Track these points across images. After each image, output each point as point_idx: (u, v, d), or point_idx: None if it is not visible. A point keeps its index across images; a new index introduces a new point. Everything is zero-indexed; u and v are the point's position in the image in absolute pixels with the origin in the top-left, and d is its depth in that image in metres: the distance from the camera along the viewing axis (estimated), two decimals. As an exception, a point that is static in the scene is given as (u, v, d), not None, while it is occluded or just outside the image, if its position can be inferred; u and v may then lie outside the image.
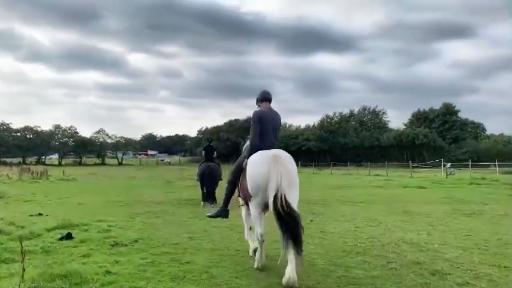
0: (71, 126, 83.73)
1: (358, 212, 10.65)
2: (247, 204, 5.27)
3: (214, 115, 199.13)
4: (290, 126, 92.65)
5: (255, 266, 5.04)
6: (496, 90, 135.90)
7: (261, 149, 5.10)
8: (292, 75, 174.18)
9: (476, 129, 69.92)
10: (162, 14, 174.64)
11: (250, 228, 5.77)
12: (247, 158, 5.21)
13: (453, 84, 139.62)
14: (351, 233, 7.59)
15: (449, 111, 64.95)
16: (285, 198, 4.31)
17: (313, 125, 74.69)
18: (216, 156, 14.12)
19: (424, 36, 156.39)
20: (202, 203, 12.58)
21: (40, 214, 10.26)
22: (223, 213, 5.86)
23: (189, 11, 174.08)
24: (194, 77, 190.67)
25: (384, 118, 73.42)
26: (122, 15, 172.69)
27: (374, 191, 17.48)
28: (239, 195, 5.80)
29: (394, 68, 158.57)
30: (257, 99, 5.88)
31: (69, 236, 6.89)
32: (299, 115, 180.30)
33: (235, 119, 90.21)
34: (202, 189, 12.97)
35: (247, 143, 5.88)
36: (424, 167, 36.03)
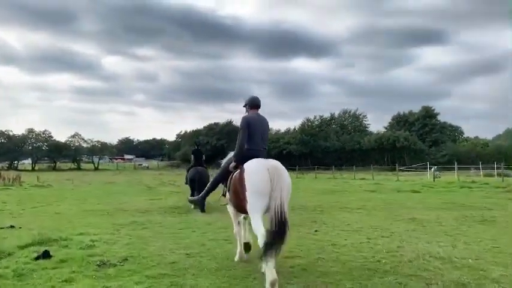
0: (45, 130, 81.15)
1: (361, 220, 9.93)
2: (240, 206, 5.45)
3: (191, 119, 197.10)
4: (270, 129, 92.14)
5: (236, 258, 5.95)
6: (468, 95, 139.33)
7: (251, 151, 5.53)
8: (269, 79, 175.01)
9: (454, 132, 70.82)
10: (137, 16, 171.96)
11: (239, 223, 6.16)
12: (237, 161, 5.59)
13: (427, 89, 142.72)
14: (365, 246, 6.84)
15: (428, 114, 65.55)
16: (283, 209, 4.61)
17: (294, 129, 74.34)
18: (205, 160, 14.51)
19: (398, 42, 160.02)
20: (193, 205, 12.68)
21: (12, 226, 9.18)
22: (201, 205, 7.13)
23: (165, 14, 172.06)
24: (170, 80, 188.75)
25: (364, 121, 73.72)
26: (96, 17, 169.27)
27: (368, 196, 16.86)
28: (223, 195, 6.25)
29: (370, 72, 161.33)
30: (246, 105, 6.11)
31: (46, 255, 5.91)
32: (277, 119, 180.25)
33: (214, 123, 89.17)
34: (193, 193, 13.07)
35: (230, 153, 6.38)
36: (410, 171, 35.72)
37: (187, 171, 14.33)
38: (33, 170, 71.01)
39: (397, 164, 33.27)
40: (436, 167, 32.48)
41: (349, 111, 73.72)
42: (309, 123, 73.06)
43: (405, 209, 12.14)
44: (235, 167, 5.57)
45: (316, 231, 8.33)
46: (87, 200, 16.42)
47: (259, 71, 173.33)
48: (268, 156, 5.68)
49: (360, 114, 73.35)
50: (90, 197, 17.49)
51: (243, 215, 5.99)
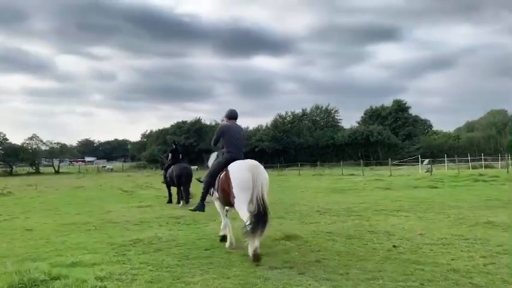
0: (0, 133, 75.56)
1: (428, 227, 8.00)
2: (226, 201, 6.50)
3: (152, 119, 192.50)
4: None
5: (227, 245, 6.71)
6: (424, 90, 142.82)
7: (231, 154, 6.65)
8: (231, 77, 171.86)
9: (423, 125, 71.02)
10: (91, 14, 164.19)
11: (226, 215, 7.12)
12: (221, 161, 6.76)
13: (384, 85, 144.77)
14: (480, 269, 4.94)
15: (400, 108, 65.27)
16: (263, 199, 5.81)
17: (266, 126, 72.45)
18: (182, 158, 15.22)
19: (355, 39, 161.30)
20: (181, 201, 13.55)
21: (-29, 255, 6.72)
22: (201, 207, 7.10)
23: (120, 12, 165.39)
24: (128, 79, 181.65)
25: (336, 116, 72.70)
26: (48, 16, 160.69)
27: (388, 194, 14.97)
28: (210, 194, 7.10)
29: (329, 69, 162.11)
30: (225, 116, 7.18)
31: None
32: (241, 117, 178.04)
33: (182, 121, 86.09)
34: (179, 190, 14.10)
35: (213, 154, 7.62)
36: (401, 165, 34.50)
37: (166, 170, 14.97)
38: (-14, 175, 65.80)
39: (389, 159, 31.90)
40: (428, 160, 31.37)
41: (321, 107, 72.60)
42: (281, 120, 71.38)
43: (454, 208, 10.40)
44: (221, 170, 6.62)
45: (394, 246, 6.35)
46: (60, 209, 13.81)
47: (220, 69, 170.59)
48: (244, 157, 6.82)
49: (332, 110, 72.39)
50: (62, 206, 14.84)
51: (226, 208, 7.01)
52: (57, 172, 74.85)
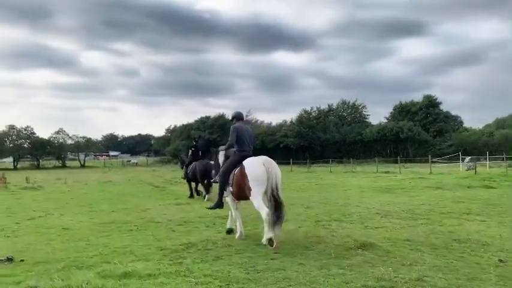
0: (27, 127, 76.36)
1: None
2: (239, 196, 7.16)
3: (175, 113, 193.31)
4: (262, 122, 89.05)
5: (237, 236, 7.30)
6: (449, 86, 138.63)
7: (241, 152, 7.32)
8: (252, 72, 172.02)
9: (454, 121, 68.59)
10: (115, 11, 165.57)
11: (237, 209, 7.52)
12: (234, 159, 7.31)
13: (407, 81, 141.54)
14: None
15: (431, 103, 63.03)
16: (278, 190, 6.47)
17: (291, 121, 71.15)
18: (201, 155, 15.49)
19: (378, 34, 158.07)
20: (206, 196, 13.62)
21: (9, 259, 5.98)
22: (220, 205, 7.60)
23: (142, 8, 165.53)
24: (151, 75, 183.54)
25: (363, 112, 70.85)
26: (74, 12, 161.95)
27: (446, 195, 13.64)
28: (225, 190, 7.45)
29: (351, 65, 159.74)
30: (233, 118, 7.86)
31: None
32: (260, 112, 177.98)
33: (206, 116, 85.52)
34: (202, 185, 14.42)
35: (221, 151, 8.20)
36: (440, 162, 32.96)
37: (187, 167, 15.28)
38: (15, 168, 66.66)
39: (429, 156, 30.42)
40: (470, 157, 29.82)
41: (348, 102, 70.86)
42: (306, 115, 69.96)
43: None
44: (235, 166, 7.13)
45: (501, 261, 5.34)
46: (94, 206, 13.16)
47: (241, 65, 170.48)
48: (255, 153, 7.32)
49: (360, 105, 70.58)
50: (95, 202, 14.20)
51: (236, 202, 7.42)
52: (82, 166, 75.40)
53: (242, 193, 6.86)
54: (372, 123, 67.90)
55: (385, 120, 66.71)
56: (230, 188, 7.23)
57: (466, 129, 64.69)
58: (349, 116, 71.13)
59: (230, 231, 7.65)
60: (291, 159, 45.16)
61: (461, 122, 68.84)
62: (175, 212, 10.93)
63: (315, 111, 71.40)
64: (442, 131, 60.63)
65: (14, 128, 74.90)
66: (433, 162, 29.77)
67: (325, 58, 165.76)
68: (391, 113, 67.56)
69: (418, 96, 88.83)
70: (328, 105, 72.39)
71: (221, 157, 8.11)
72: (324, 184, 19.47)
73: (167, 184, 23.16)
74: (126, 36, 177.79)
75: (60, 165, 76.03)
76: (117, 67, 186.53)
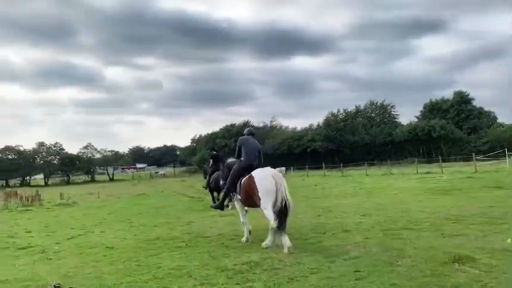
0: (56, 143, 77.66)
1: None
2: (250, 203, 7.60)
3: (197, 124, 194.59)
4: (287, 128, 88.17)
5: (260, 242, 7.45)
6: (474, 82, 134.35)
7: (247, 162, 7.83)
8: (270, 79, 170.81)
9: (487, 117, 66.13)
10: (133, 25, 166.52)
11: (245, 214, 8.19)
12: (243, 172, 7.73)
13: (432, 79, 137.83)
14: None
15: (463, 99, 60.90)
16: (287, 199, 6.81)
17: (318, 125, 70.06)
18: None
19: (398, 34, 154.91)
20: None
21: (57, 288, 5.34)
22: (221, 208, 8.98)
23: (160, 21, 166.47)
24: (173, 87, 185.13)
25: (392, 112, 69.14)
26: (94, 30, 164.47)
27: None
28: (232, 196, 8.26)
29: (372, 66, 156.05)
30: (244, 133, 8.55)
31: None
32: (282, 118, 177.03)
33: (231, 124, 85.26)
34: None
35: (229, 160, 8.91)
36: (485, 160, 31.35)
37: (210, 176, 15.32)
38: (46, 185, 67.70)
39: (474, 154, 28.93)
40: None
41: (376, 103, 69.30)
42: (333, 118, 68.75)
43: None
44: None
45: None
46: (134, 220, 12.57)
47: (260, 72, 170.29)
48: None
49: (388, 105, 68.89)
50: (134, 217, 13.63)
51: (246, 208, 8.12)
52: (111, 179, 76.00)
53: (250, 201, 7.35)
54: (402, 123, 66.22)
55: (416, 120, 64.84)
56: (238, 196, 7.81)
57: (501, 125, 62.27)
58: (377, 116, 69.55)
59: (249, 232, 8.15)
60: (324, 164, 44.09)
61: (495, 118, 66.42)
62: (222, 225, 10.20)
63: (341, 114, 70.21)
64: (476, 128, 58.47)
65: (43, 145, 76.30)
66: (476, 160, 28.24)
67: (345, 60, 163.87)
68: (421, 111, 65.70)
69: (444, 94, 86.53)
70: (356, 107, 71.17)
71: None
72: (369, 188, 18.43)
73: (202, 194, 22.46)
74: (146, 50, 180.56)
75: (90, 179, 76.88)
76: (139, 81, 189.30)
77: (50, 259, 7.53)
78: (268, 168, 7.34)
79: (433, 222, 8.58)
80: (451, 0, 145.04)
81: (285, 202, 6.76)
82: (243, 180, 7.52)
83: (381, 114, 69.51)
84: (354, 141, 63.34)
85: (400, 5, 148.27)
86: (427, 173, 27.24)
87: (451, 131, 56.58)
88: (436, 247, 6.14)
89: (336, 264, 5.67)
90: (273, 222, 6.76)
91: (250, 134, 8.43)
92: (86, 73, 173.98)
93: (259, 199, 6.96)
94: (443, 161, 47.63)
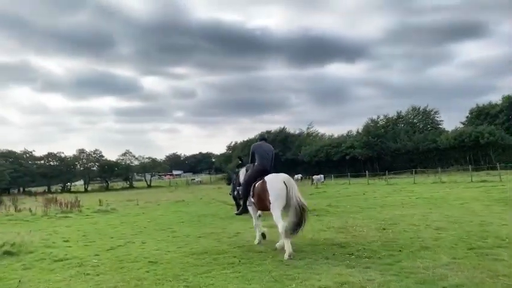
0: (96, 150, 78.99)
1: None
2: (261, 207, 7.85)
3: (231, 132, 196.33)
4: (323, 135, 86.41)
5: (277, 246, 7.71)
6: None
7: (260, 167, 8.10)
8: (305, 86, 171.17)
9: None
10: (169, 35, 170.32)
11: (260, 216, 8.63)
12: (257, 176, 7.92)
13: (470, 85, 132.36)
14: None
15: (513, 104, 57.44)
16: (302, 203, 6.94)
17: (357, 131, 68.00)
18: None
19: (435, 39, 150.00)
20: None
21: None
22: (246, 210, 8.65)
23: (195, 31, 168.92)
24: (207, 95, 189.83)
25: (436, 118, 66.11)
26: (131, 40, 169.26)
27: None
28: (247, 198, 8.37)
29: (408, 72, 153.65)
30: (257, 139, 9.10)
31: None
32: (317, 125, 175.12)
33: (267, 131, 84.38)
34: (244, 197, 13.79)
35: (242, 169, 9.11)
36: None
37: (233, 183, 14.71)
38: (86, 191, 68.72)
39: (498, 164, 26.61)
40: None
41: (418, 108, 66.49)
42: (373, 124, 66.53)
43: None
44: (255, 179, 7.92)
45: None
46: (176, 229, 11.72)
47: (294, 80, 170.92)
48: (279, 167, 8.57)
49: (431, 111, 65.95)
50: (176, 225, 12.78)
51: (259, 212, 8.47)
52: (149, 186, 76.45)
53: (263, 204, 7.54)
54: (446, 129, 63.19)
55: (461, 125, 61.74)
56: (251, 199, 8.02)
57: (555, 131, 58.34)
58: (420, 122, 66.73)
59: (264, 236, 8.58)
60: (366, 172, 42.32)
61: (547, 123, 62.31)
62: (275, 238, 9.09)
63: (382, 120, 67.89)
64: (528, 134, 54.90)
65: (83, 152, 77.69)
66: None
67: (381, 67, 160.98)
68: (467, 117, 62.46)
69: (486, 100, 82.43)
70: (397, 112, 68.58)
71: (242, 175, 8.90)
72: (427, 198, 16.89)
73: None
74: (181, 59, 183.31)
75: (128, 186, 77.63)
76: (174, 90, 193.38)
77: (88, 274, 6.71)
78: (282, 174, 7.46)
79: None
80: (490, 4, 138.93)
81: (301, 208, 6.88)
82: (256, 185, 7.72)
83: (423, 120, 66.63)
84: (396, 149, 60.90)
85: (436, 9, 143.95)
86: (483, 181, 25.25)
87: (501, 137, 53.32)
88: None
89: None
90: (281, 226, 6.93)
91: (263, 139, 8.81)
92: (124, 82, 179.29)
93: (270, 203, 7.16)
94: (491, 168, 45.01)
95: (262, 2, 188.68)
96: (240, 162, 16.33)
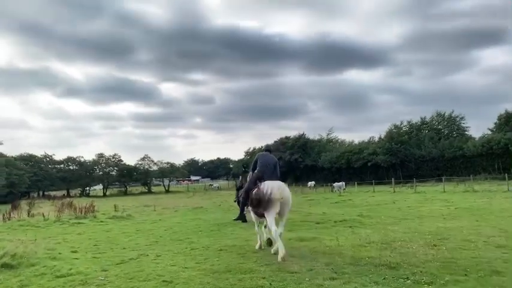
0: (115, 155, 79.05)
1: None
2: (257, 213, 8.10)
3: (248, 138, 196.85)
4: (343, 141, 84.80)
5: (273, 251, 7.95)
6: None
7: (260, 173, 8.44)
8: (322, 93, 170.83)
9: None
10: (187, 42, 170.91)
11: (261, 223, 8.68)
12: (255, 183, 8.14)
13: (491, 92, 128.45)
14: None
15: (545, 110, 54.93)
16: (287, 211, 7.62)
17: (379, 137, 66.27)
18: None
19: (455, 45, 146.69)
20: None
21: None
22: (243, 218, 10.60)
23: (213, 37, 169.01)
24: (224, 102, 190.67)
25: (462, 124, 63.93)
26: (151, 47, 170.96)
27: None
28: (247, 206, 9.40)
29: (428, 79, 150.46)
30: (262, 150, 9.78)
31: None
32: (336, 132, 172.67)
33: (286, 137, 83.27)
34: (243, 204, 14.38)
35: (250, 174, 9.16)
36: None
37: (238, 190, 15.73)
38: (104, 195, 68.59)
39: None
40: None
41: (443, 114, 64.43)
42: (396, 130, 64.67)
43: None
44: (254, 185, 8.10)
45: None
46: (194, 240, 10.63)
47: (311, 86, 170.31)
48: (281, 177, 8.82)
49: (457, 117, 63.80)
50: (194, 235, 11.68)
51: (260, 220, 8.42)
52: (167, 191, 75.99)
53: (258, 210, 7.77)
54: (473, 136, 60.98)
55: (489, 132, 59.40)
56: (250, 206, 8.27)
57: None
58: (445, 128, 64.60)
59: (270, 243, 8.34)
60: (391, 179, 40.74)
61: None
62: (307, 253, 7.95)
63: (405, 126, 66.01)
64: (561, 141, 52.30)
65: (102, 157, 77.81)
66: None
67: (400, 73, 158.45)
68: (495, 123, 60.08)
69: (504, 108, 79.65)
70: (421, 118, 66.66)
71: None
72: (468, 208, 15.48)
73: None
74: (199, 65, 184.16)
75: (147, 190, 77.32)
76: (192, 96, 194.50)
77: (92, 297, 5.65)
78: (278, 181, 7.78)
79: None
80: (509, 9, 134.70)
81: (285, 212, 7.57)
82: (253, 191, 7.89)
83: (448, 126, 64.47)
84: (420, 155, 58.96)
85: (456, 15, 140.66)
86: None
87: (532, 144, 50.97)
88: None
89: None
90: (274, 231, 7.24)
91: (267, 150, 9.42)
92: (143, 88, 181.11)
93: (264, 209, 7.40)
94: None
95: (279, 9, 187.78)
96: (243, 169, 16.87)
